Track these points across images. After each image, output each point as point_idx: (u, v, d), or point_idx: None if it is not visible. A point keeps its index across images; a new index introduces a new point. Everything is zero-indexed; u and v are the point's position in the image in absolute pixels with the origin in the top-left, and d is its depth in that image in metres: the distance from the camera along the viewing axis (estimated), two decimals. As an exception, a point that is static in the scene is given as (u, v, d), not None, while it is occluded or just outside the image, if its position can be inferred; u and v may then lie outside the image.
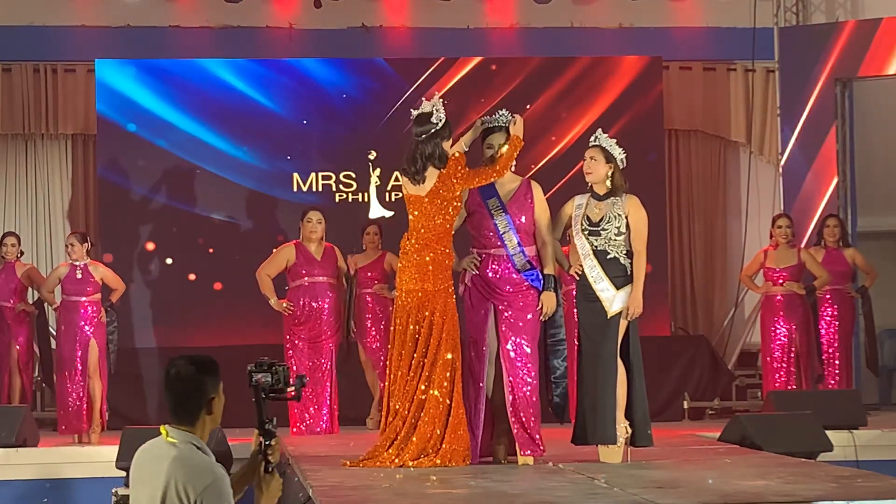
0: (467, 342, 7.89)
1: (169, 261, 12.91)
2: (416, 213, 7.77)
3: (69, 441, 10.76)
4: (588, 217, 7.88)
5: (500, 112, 8.00)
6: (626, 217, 7.84)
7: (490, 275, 7.87)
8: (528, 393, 7.79)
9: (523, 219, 7.89)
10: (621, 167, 7.92)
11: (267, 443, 4.32)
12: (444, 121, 7.76)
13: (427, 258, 7.71)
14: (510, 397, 7.78)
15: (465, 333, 7.92)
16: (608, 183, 7.89)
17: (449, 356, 7.67)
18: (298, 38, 13.53)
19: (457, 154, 7.78)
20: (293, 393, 4.39)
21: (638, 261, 7.83)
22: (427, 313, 7.69)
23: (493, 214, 7.88)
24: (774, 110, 13.72)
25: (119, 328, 11.29)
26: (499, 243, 7.87)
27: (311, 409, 10.54)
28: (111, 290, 11.15)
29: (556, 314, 7.99)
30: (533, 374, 7.81)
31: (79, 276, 10.93)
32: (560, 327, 8.07)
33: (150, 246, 12.92)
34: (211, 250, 12.96)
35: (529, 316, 7.84)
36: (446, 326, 7.69)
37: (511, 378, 7.78)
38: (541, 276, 7.87)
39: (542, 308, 7.85)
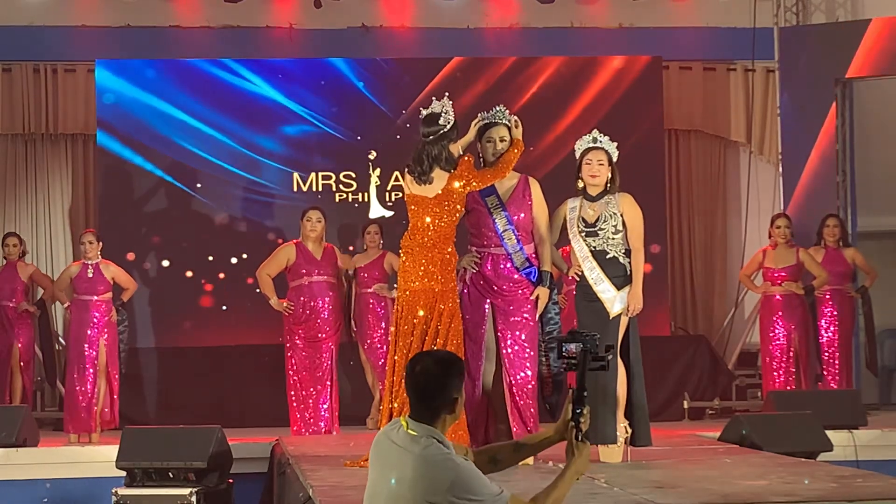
0: (465, 339, 7.87)
1: (167, 262, 12.91)
2: (420, 213, 7.74)
3: (69, 441, 10.76)
4: (583, 219, 7.88)
5: (497, 108, 7.98)
6: (622, 215, 7.85)
7: (489, 273, 7.87)
8: (527, 391, 7.79)
9: (522, 216, 7.88)
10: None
11: (579, 411, 4.29)
12: (452, 123, 7.75)
13: (435, 258, 7.70)
14: (510, 396, 7.78)
15: (463, 330, 7.91)
16: (606, 184, 7.90)
17: (453, 357, 7.66)
18: (298, 38, 13.53)
19: (465, 157, 7.77)
20: (605, 363, 4.39)
21: (636, 257, 7.83)
22: (435, 314, 7.69)
23: (493, 212, 7.88)
24: (774, 110, 13.72)
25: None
26: (498, 242, 7.87)
27: (311, 408, 10.54)
28: (122, 289, 11.17)
29: (552, 311, 7.99)
30: (532, 372, 7.81)
31: (90, 274, 10.95)
32: (556, 325, 8.06)
33: (150, 246, 12.92)
34: (211, 251, 12.95)
35: (528, 314, 7.84)
36: (452, 327, 7.68)
37: (511, 377, 7.78)
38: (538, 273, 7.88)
39: (536, 301, 7.85)
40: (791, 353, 11.66)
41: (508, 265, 7.86)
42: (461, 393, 4.32)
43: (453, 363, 4.33)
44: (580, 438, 4.28)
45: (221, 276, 12.91)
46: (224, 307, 12.87)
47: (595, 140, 7.93)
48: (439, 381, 4.28)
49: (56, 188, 13.63)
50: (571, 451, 4.28)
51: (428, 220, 7.72)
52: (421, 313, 7.69)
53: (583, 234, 7.85)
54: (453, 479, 4.15)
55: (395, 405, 7.69)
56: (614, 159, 7.92)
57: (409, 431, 4.26)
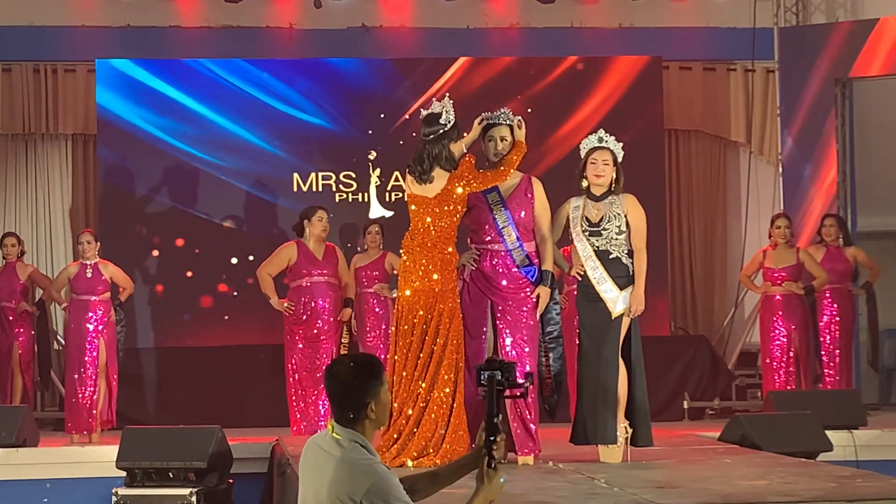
0: (466, 338, 7.85)
1: (169, 261, 12.91)
2: (421, 213, 7.74)
3: (69, 441, 10.76)
4: (587, 218, 7.87)
5: (502, 110, 7.99)
6: (625, 216, 7.85)
7: (489, 270, 7.85)
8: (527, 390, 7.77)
9: (523, 214, 7.87)
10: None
11: (492, 438, 4.27)
12: (452, 122, 7.76)
13: (436, 258, 7.70)
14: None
15: (464, 329, 7.89)
16: (610, 184, 7.89)
17: (454, 357, 7.67)
18: (298, 38, 13.53)
19: (466, 157, 7.77)
20: (523, 390, 4.37)
21: (639, 258, 7.83)
22: (435, 313, 7.68)
23: (493, 209, 7.87)
24: (774, 110, 13.72)
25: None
26: (498, 238, 7.86)
27: (312, 408, 10.54)
28: (120, 289, 11.17)
29: (553, 311, 7.98)
30: (532, 371, 7.79)
31: (89, 274, 10.95)
32: (557, 325, 8.05)
33: (150, 246, 12.92)
34: (211, 251, 12.94)
35: (528, 313, 7.83)
36: (453, 327, 7.68)
37: (511, 376, 7.77)
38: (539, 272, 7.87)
39: (536, 301, 7.84)
40: (791, 353, 11.66)
41: (508, 262, 7.84)
42: (378, 398, 4.29)
43: (369, 368, 4.30)
44: (492, 466, 4.26)
45: (222, 276, 12.90)
46: (224, 307, 12.87)
47: (601, 140, 7.92)
48: (352, 385, 4.27)
49: (56, 188, 13.62)
50: (482, 477, 4.27)
51: (429, 220, 7.73)
52: (421, 313, 7.68)
53: (586, 233, 7.85)
54: (371, 484, 4.16)
55: (395, 405, 7.69)
56: (619, 159, 7.92)
57: (334, 435, 4.28)
